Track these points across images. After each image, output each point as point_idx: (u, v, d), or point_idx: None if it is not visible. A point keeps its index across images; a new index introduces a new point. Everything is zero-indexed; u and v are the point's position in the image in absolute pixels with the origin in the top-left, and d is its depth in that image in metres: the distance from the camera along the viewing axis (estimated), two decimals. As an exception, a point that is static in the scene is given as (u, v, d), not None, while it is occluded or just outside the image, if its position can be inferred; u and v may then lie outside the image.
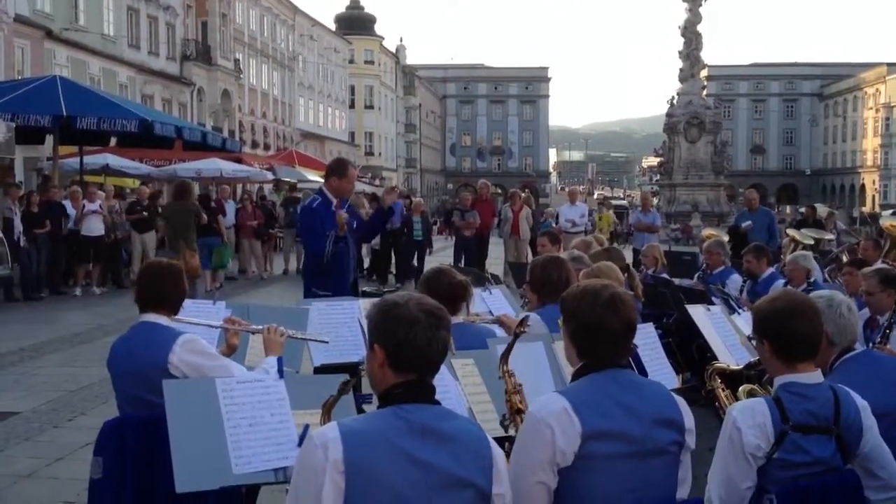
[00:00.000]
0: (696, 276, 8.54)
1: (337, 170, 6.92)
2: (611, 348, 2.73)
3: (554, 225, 16.34)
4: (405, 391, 2.32)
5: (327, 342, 4.04)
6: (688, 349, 6.08)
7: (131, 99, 29.36)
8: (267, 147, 48.64)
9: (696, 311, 5.12)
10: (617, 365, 2.74)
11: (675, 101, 30.97)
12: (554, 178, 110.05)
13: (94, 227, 14.96)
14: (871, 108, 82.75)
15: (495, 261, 16.96)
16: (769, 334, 3.03)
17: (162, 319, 3.70)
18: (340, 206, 6.76)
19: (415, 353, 2.31)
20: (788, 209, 27.96)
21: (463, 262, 15.13)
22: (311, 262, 7.01)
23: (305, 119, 58.74)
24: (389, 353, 2.33)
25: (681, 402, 2.80)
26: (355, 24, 69.64)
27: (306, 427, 2.94)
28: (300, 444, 2.94)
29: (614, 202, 48.82)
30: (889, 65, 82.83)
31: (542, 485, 2.56)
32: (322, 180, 25.05)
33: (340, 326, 4.58)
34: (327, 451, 2.20)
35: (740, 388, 3.59)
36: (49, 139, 17.58)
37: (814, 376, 2.98)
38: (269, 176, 25.95)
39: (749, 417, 2.87)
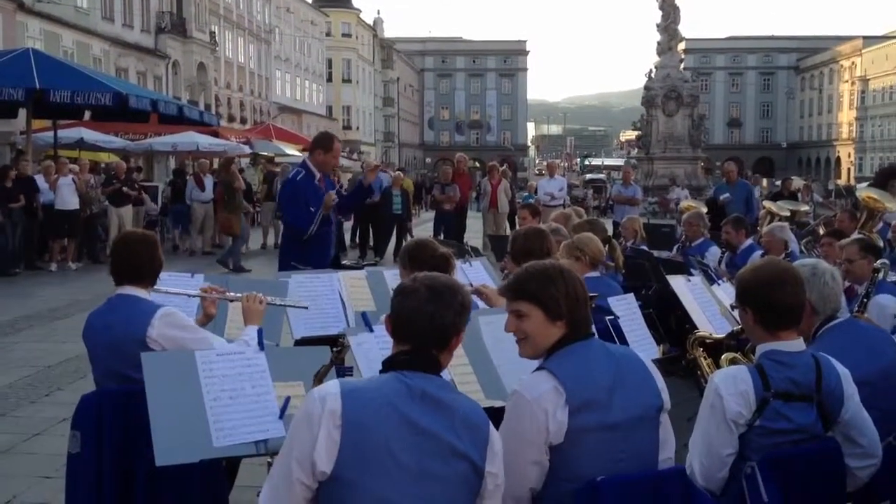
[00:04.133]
0: (675, 247, 8.56)
1: (322, 143, 6.83)
2: (587, 316, 2.73)
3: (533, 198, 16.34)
4: (408, 359, 2.37)
5: (307, 307, 4.01)
6: (667, 320, 6.10)
7: (105, 72, 28.90)
8: (244, 121, 48.20)
9: (677, 282, 5.13)
10: (591, 335, 2.75)
11: (652, 75, 30.91)
12: (532, 151, 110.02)
13: (69, 200, 14.77)
14: (847, 82, 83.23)
15: (474, 234, 16.95)
16: (752, 302, 3.03)
17: (139, 292, 3.64)
18: (324, 180, 6.70)
19: (407, 324, 2.37)
20: (765, 182, 28.07)
21: (442, 235, 15.10)
22: (289, 235, 6.93)
23: (282, 93, 58.22)
24: (391, 323, 2.44)
25: (649, 363, 2.82)
26: (332, -4, 68.99)
27: (287, 399, 2.92)
28: (281, 416, 2.92)
29: (590, 176, 48.89)
30: (865, 38, 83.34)
31: (535, 464, 2.57)
32: (299, 154, 24.78)
33: (320, 298, 4.54)
34: (325, 403, 2.24)
35: (722, 357, 3.60)
36: (22, 113, 17.31)
37: (796, 344, 2.99)
38: (247, 150, 25.72)
39: (731, 385, 2.88)
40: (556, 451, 2.57)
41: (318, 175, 6.65)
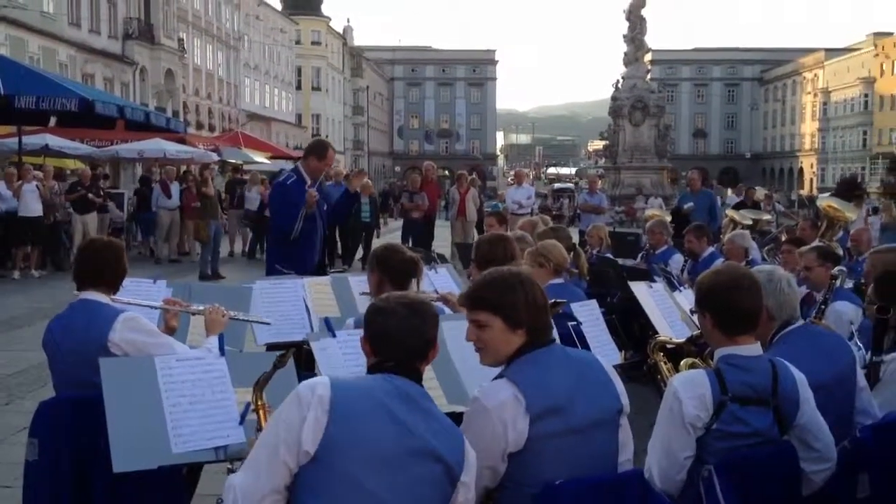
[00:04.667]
0: (639, 255, 8.64)
1: (317, 150, 6.81)
2: (547, 323, 2.75)
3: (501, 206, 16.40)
4: (394, 366, 2.44)
5: (269, 324, 3.99)
6: (631, 327, 6.15)
7: (72, 78, 28.59)
8: (212, 128, 47.86)
9: (638, 288, 5.19)
10: (552, 340, 2.77)
11: (619, 85, 31.17)
12: (501, 160, 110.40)
13: (33, 207, 14.57)
14: (810, 93, 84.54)
15: (442, 243, 16.96)
16: (711, 307, 3.07)
17: (101, 297, 3.61)
18: (314, 186, 6.69)
19: (392, 342, 2.46)
20: (730, 191, 28.42)
21: (410, 243, 15.09)
22: (276, 239, 6.91)
23: (251, 100, 57.91)
24: (371, 341, 2.50)
25: (608, 367, 2.86)
26: (301, 4, 68.66)
27: (247, 405, 2.91)
28: (241, 422, 2.91)
29: (558, 185, 49.16)
30: (827, 50, 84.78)
31: (490, 469, 2.60)
32: (268, 161, 24.65)
33: (284, 305, 4.53)
34: (315, 389, 2.32)
35: (682, 362, 3.65)
36: (-15, 119, 17.05)
37: (753, 349, 3.04)
38: (214, 157, 25.53)
39: (690, 388, 2.92)
40: (517, 457, 2.59)
41: (308, 181, 6.65)
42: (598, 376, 2.80)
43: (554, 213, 31.53)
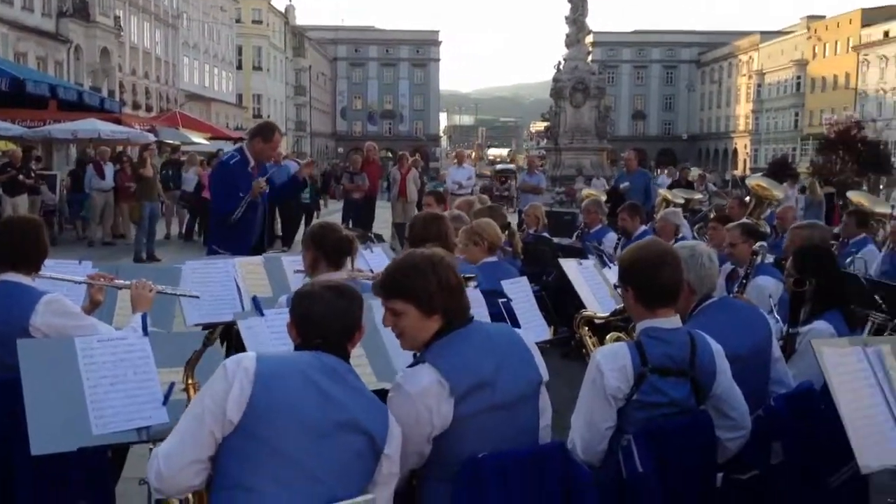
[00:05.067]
0: (574, 234, 8.76)
1: (263, 132, 6.71)
2: (463, 304, 2.78)
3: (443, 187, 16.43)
4: (322, 342, 2.48)
5: (198, 297, 3.96)
6: (565, 304, 6.24)
7: (3, 57, 27.71)
8: (149, 108, 46.84)
9: (568, 264, 5.27)
10: (470, 319, 2.80)
11: (561, 67, 31.33)
12: (445, 142, 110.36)
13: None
14: (745, 76, 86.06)
15: (384, 223, 16.93)
16: (633, 281, 3.15)
17: (22, 279, 3.53)
18: (258, 168, 6.60)
19: (320, 325, 2.50)
20: (667, 172, 28.89)
21: (351, 224, 15.04)
22: (215, 221, 6.82)
23: (190, 80, 56.79)
24: (298, 326, 2.54)
25: (528, 340, 2.91)
26: (241, -19, 67.55)
27: (171, 385, 2.89)
28: (165, 402, 2.90)
29: (500, 166, 49.35)
30: (762, 33, 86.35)
31: (416, 453, 2.63)
32: (206, 142, 24.19)
33: (214, 285, 4.49)
34: (241, 362, 2.37)
35: (608, 336, 3.72)
36: None
37: (673, 321, 3.12)
38: (151, 138, 25.01)
39: (611, 360, 2.99)
40: (443, 437, 2.62)
41: (252, 163, 6.56)
42: (519, 351, 2.84)
43: (496, 193, 31.63)
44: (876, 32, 67.66)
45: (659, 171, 29.31)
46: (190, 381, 2.78)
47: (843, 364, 2.66)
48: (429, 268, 2.73)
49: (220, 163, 7.08)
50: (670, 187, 14.35)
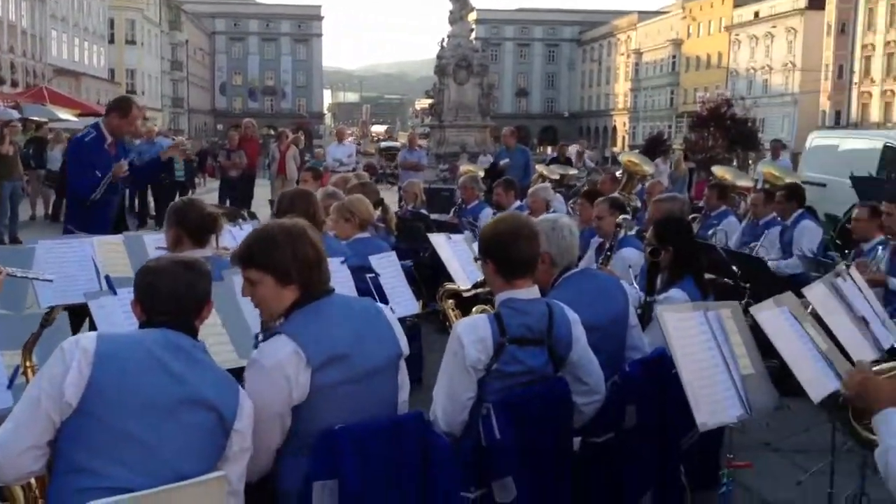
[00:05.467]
0: (452, 210, 8.84)
1: (119, 107, 6.41)
2: (321, 276, 2.77)
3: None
4: (167, 319, 2.43)
5: (51, 280, 3.80)
6: (439, 279, 6.31)
7: None
8: (15, 84, 44.37)
9: (437, 239, 5.32)
10: (329, 292, 2.80)
11: (445, 44, 31.39)
12: (329, 119, 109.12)
13: None
14: (623, 55, 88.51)
15: (263, 201, 16.63)
16: (492, 254, 3.21)
17: None
18: (115, 145, 6.33)
19: (167, 299, 2.45)
20: (550, 149, 29.47)
21: (228, 202, 14.72)
22: (71, 199, 6.51)
23: (59, 54, 54.07)
24: (142, 302, 2.49)
25: (388, 313, 2.93)
26: (112, -49, 64.61)
27: (16, 368, 2.77)
28: (10, 386, 2.78)
29: (385, 144, 49.19)
30: (640, 13, 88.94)
31: (279, 427, 2.61)
32: (75, 119, 23.11)
33: (70, 266, 4.32)
34: (80, 342, 2.30)
35: (474, 308, 3.79)
36: None
37: (531, 292, 3.20)
38: (14, 115, 23.75)
39: (471, 332, 3.04)
40: (301, 409, 2.61)
41: (108, 139, 6.27)
42: (378, 324, 2.86)
43: (381, 171, 31.52)
44: (747, 13, 70.72)
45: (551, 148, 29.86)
46: (28, 364, 2.67)
47: (684, 328, 2.79)
48: (286, 238, 2.72)
49: (75, 140, 6.75)
50: (549, 163, 14.62)
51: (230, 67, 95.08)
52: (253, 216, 7.19)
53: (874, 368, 2.47)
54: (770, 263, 6.80)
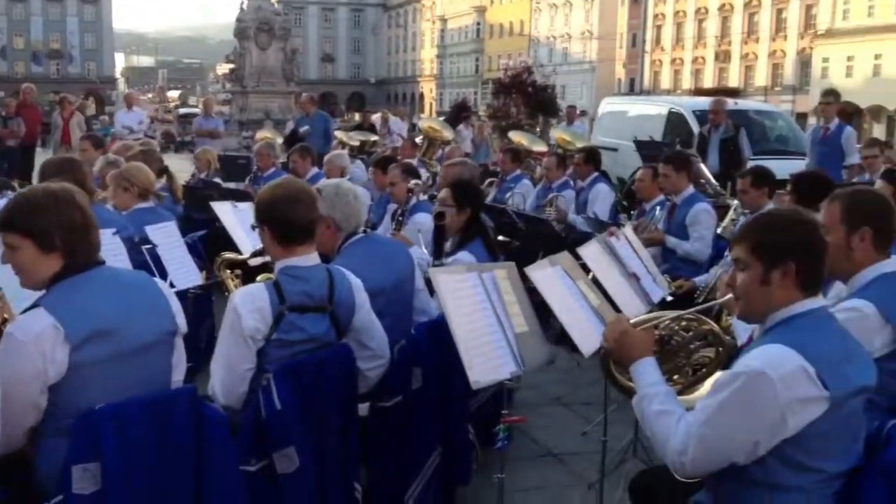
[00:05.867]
0: (247, 178, 8.58)
1: None
2: (89, 246, 2.60)
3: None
4: None
5: None
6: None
7: None
8: None
9: (221, 207, 5.14)
10: (99, 263, 2.63)
11: (245, 6, 30.41)
12: (122, 84, 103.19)
13: None
14: (429, 21, 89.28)
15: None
16: (269, 220, 3.12)
17: None
18: None
19: None
20: (357, 116, 29.32)
21: (6, 173, 13.61)
22: None
23: None
24: None
25: (164, 287, 2.80)
26: None
27: None
28: None
29: (182, 111, 47.24)
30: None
31: (33, 406, 2.45)
32: None
33: None
34: None
35: (258, 277, 3.67)
36: None
37: (310, 259, 3.13)
38: None
39: (249, 302, 2.95)
40: (59, 387, 2.45)
41: None
42: (150, 298, 2.71)
43: (178, 139, 30.30)
44: (547, -19, 73.08)
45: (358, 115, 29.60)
46: None
47: (458, 289, 2.82)
48: (50, 202, 2.54)
49: None
50: (354, 129, 14.54)
51: (11, 29, 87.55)
52: (22, 186, 6.64)
53: (632, 321, 2.58)
54: (570, 218, 7.06)
